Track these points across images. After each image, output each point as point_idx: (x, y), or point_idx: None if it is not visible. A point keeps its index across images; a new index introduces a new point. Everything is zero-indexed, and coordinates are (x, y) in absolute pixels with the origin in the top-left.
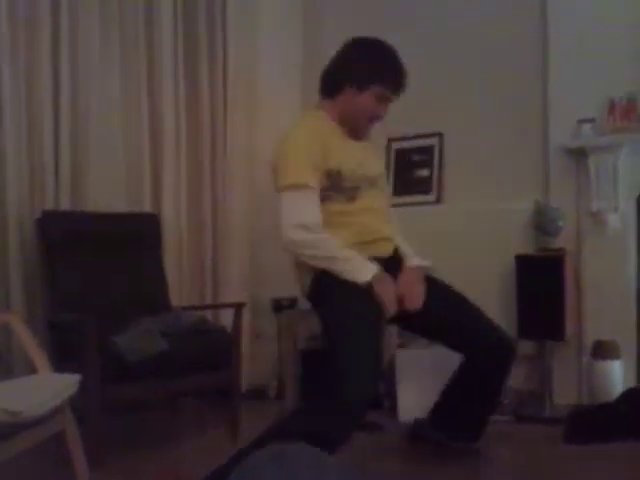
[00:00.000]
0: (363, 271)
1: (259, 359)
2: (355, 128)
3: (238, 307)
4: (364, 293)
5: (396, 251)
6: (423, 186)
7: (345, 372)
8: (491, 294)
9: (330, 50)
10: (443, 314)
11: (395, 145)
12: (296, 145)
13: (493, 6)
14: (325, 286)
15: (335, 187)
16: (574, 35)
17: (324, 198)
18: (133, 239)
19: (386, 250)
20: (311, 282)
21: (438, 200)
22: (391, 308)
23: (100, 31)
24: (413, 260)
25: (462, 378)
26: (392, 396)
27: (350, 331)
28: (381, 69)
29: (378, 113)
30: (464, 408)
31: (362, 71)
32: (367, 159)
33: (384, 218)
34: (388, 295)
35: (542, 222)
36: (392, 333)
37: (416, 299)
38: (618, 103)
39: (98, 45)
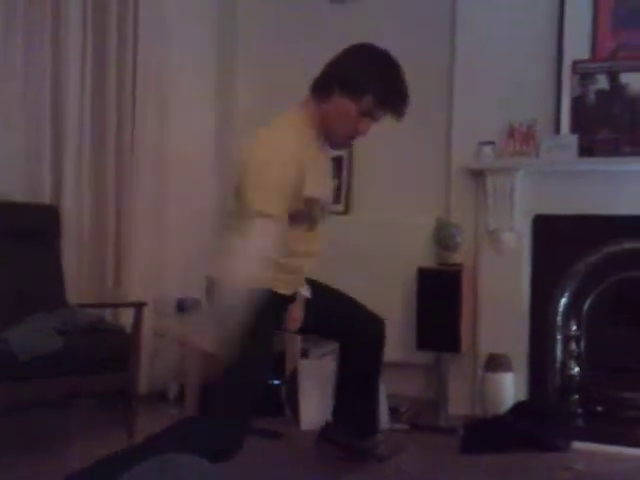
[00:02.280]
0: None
1: (161, 361)
2: (333, 140)
3: (139, 307)
4: (267, 304)
5: None
6: (332, 196)
7: (234, 381)
8: (393, 304)
9: (244, 46)
10: (324, 313)
11: None
12: (274, 166)
13: (403, 28)
14: None
15: (306, 214)
16: (479, 61)
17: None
18: (29, 232)
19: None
20: None
21: (346, 211)
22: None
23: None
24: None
25: (344, 366)
26: (294, 405)
27: (247, 341)
28: (386, 90)
29: (362, 131)
30: (354, 397)
31: (364, 82)
32: (328, 177)
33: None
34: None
35: (442, 237)
36: (295, 342)
37: (294, 323)
38: (518, 128)
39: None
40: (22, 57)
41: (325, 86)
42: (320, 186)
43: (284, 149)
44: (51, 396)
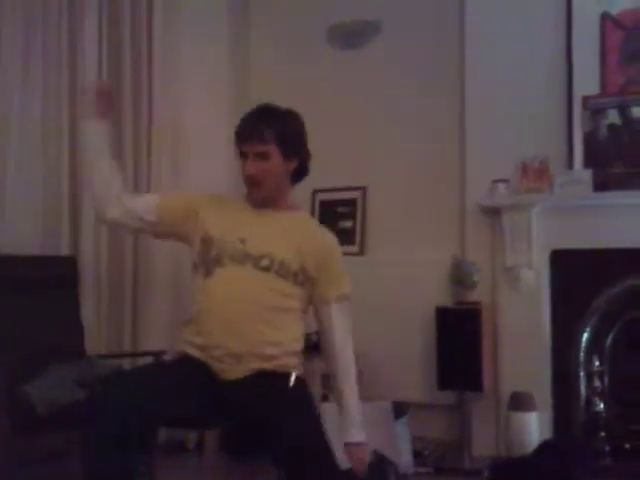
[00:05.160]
0: None
1: None
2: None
3: (157, 355)
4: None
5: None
6: (347, 237)
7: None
8: (413, 344)
9: (258, 98)
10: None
11: (320, 196)
12: None
13: (415, 69)
14: None
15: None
16: (491, 99)
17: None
18: (48, 284)
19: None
20: None
21: (361, 251)
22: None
23: (22, 63)
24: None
25: None
26: None
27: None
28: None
29: (245, 173)
30: None
31: None
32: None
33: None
34: None
35: (459, 276)
36: (315, 386)
37: (359, 463)
38: (530, 165)
39: (20, 80)
40: (40, 111)
41: None
42: (220, 227)
43: None
44: (71, 448)
